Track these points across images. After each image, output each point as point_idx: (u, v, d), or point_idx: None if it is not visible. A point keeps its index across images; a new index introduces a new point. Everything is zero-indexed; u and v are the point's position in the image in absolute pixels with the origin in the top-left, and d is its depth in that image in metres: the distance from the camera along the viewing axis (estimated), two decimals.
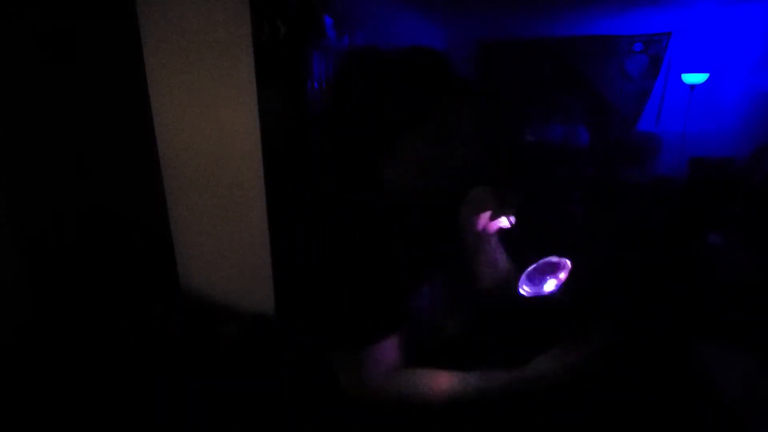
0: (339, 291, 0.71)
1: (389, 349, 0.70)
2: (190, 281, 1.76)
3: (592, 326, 0.76)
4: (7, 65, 1.34)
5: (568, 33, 4.19)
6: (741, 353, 1.37)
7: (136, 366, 1.43)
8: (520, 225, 0.72)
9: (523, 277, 0.67)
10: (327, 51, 1.89)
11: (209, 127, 1.56)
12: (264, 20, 1.48)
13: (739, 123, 3.83)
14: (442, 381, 0.70)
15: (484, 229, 0.73)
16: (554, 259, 0.66)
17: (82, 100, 1.49)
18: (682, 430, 1.12)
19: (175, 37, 1.49)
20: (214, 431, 1.30)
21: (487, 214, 0.72)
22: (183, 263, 1.75)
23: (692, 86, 3.84)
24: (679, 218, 3.08)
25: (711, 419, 1.23)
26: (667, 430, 1.08)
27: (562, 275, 0.66)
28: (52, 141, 1.46)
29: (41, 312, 1.49)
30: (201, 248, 1.72)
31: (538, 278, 0.68)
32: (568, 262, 0.66)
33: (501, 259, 0.79)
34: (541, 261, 0.67)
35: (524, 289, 0.67)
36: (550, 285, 0.67)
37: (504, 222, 0.72)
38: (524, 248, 0.76)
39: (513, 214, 0.72)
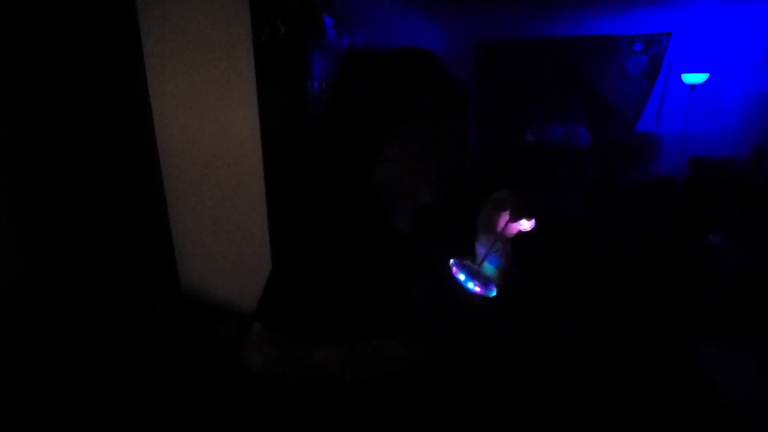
0: (338, 290, 0.71)
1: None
2: (190, 281, 1.76)
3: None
4: (7, 65, 1.34)
5: (568, 33, 4.19)
6: (741, 353, 1.37)
7: (136, 366, 1.43)
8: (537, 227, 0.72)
9: (456, 265, 0.69)
10: (327, 51, 1.89)
11: (209, 127, 1.57)
12: (264, 20, 1.48)
13: (739, 123, 3.83)
14: None
15: (503, 231, 0.73)
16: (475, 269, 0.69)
17: (82, 100, 1.49)
18: (683, 430, 1.13)
19: (175, 37, 1.49)
20: (214, 431, 1.30)
21: (506, 216, 0.72)
22: (183, 263, 1.75)
23: (692, 86, 3.84)
24: (679, 218, 3.09)
25: (711, 419, 1.23)
26: (668, 430, 1.08)
27: (477, 288, 0.68)
28: (52, 141, 1.46)
29: (41, 312, 1.49)
30: (201, 248, 1.72)
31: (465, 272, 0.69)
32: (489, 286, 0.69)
33: (511, 260, 0.79)
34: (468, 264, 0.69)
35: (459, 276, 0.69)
36: (471, 284, 0.69)
37: (525, 225, 0.73)
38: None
39: (534, 217, 0.72)
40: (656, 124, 4.17)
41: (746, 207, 2.90)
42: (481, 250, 0.77)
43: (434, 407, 0.76)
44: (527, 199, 0.71)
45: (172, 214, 1.70)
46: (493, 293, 0.69)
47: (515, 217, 0.71)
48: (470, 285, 0.68)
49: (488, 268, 0.74)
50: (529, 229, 0.73)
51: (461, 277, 0.68)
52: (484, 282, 0.69)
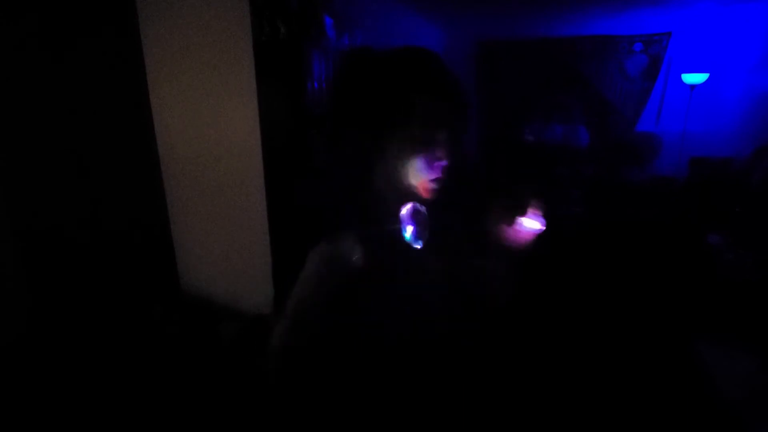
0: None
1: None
2: (190, 281, 1.76)
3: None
4: (7, 66, 1.34)
5: (568, 33, 4.19)
6: (741, 353, 1.37)
7: (136, 366, 1.43)
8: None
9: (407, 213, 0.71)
10: (327, 51, 1.89)
11: (209, 127, 1.56)
12: (264, 20, 1.48)
13: (739, 123, 3.83)
14: None
15: (516, 232, 0.74)
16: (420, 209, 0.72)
17: (82, 100, 1.49)
18: (683, 430, 1.13)
19: (175, 37, 1.49)
20: (214, 431, 1.30)
21: (516, 224, 0.73)
22: (183, 263, 1.75)
23: (692, 86, 3.84)
24: (678, 218, 3.08)
25: (711, 419, 1.23)
26: (668, 430, 1.08)
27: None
28: (52, 141, 1.46)
29: (41, 312, 1.49)
30: (201, 248, 1.72)
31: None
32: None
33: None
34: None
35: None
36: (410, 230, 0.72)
37: (534, 225, 0.73)
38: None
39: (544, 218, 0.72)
40: (656, 124, 4.17)
41: (746, 207, 2.90)
42: None
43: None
44: (540, 199, 0.71)
45: (172, 214, 1.70)
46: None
47: (529, 219, 0.71)
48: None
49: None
50: (538, 230, 0.74)
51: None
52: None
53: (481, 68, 4.54)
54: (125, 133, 1.59)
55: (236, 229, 1.65)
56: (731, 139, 3.75)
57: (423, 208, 0.73)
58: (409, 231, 0.72)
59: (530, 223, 0.73)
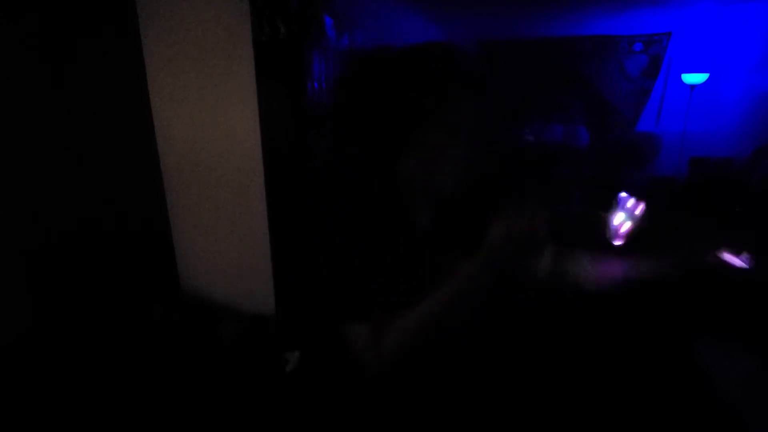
0: (341, 289, 0.71)
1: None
2: (190, 281, 1.76)
3: None
4: (7, 66, 1.34)
5: (568, 33, 4.19)
6: (741, 353, 1.37)
7: (136, 366, 1.43)
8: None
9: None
10: (327, 51, 1.89)
11: (209, 127, 1.56)
12: (264, 20, 1.48)
13: (739, 123, 3.83)
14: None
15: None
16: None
17: (82, 101, 1.49)
18: (683, 430, 1.12)
19: (175, 37, 1.49)
20: (214, 431, 1.30)
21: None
22: (183, 263, 1.75)
23: (692, 86, 3.84)
24: (678, 218, 3.08)
25: (711, 419, 1.23)
26: (668, 430, 1.08)
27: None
28: (52, 141, 1.46)
29: (41, 312, 1.49)
30: (201, 248, 1.72)
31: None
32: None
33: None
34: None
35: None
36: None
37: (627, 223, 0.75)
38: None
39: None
40: (656, 124, 4.17)
41: (746, 207, 2.89)
42: None
43: None
44: (541, 221, 0.70)
45: (172, 214, 1.70)
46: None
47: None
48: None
49: None
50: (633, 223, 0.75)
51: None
52: None
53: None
54: (125, 133, 1.59)
55: (236, 229, 1.65)
56: (731, 139, 3.75)
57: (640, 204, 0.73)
58: (621, 220, 0.71)
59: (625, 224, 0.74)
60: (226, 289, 1.72)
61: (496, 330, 0.81)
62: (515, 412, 0.85)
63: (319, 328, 0.77)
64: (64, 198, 1.51)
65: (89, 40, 1.47)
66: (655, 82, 4.06)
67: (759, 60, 3.75)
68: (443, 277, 0.70)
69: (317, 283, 0.74)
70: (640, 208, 0.75)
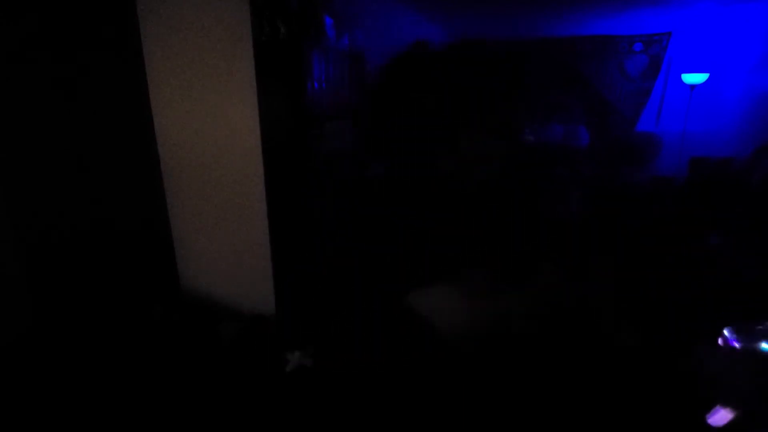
0: (341, 288, 0.71)
1: None
2: (190, 281, 1.76)
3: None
4: (7, 66, 1.34)
5: (568, 33, 4.19)
6: (741, 353, 1.37)
7: (136, 366, 1.43)
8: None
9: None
10: (327, 51, 1.89)
11: (209, 127, 1.57)
12: (264, 20, 1.48)
13: (739, 123, 3.83)
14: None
15: None
16: None
17: (82, 100, 1.49)
18: (683, 430, 1.12)
19: (175, 37, 1.49)
20: (214, 431, 1.30)
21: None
22: (183, 263, 1.75)
23: (692, 86, 3.84)
24: (678, 218, 3.08)
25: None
26: (668, 430, 1.08)
27: None
28: (52, 141, 1.46)
29: (41, 312, 1.49)
30: (201, 248, 1.72)
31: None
32: None
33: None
34: None
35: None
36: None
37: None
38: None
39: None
40: (656, 124, 4.17)
41: (746, 207, 2.90)
42: None
43: None
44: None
45: (172, 214, 1.70)
46: None
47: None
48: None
49: None
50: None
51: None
52: None
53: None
54: (125, 133, 1.59)
55: (236, 228, 1.65)
56: (731, 139, 3.75)
57: None
58: None
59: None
60: (226, 289, 1.72)
61: (497, 332, 0.81)
62: (515, 412, 0.85)
63: (319, 328, 0.77)
64: (64, 198, 1.51)
65: (89, 40, 1.47)
66: (655, 82, 4.06)
67: (759, 60, 3.75)
68: (443, 277, 0.71)
69: (317, 283, 0.74)
70: None
